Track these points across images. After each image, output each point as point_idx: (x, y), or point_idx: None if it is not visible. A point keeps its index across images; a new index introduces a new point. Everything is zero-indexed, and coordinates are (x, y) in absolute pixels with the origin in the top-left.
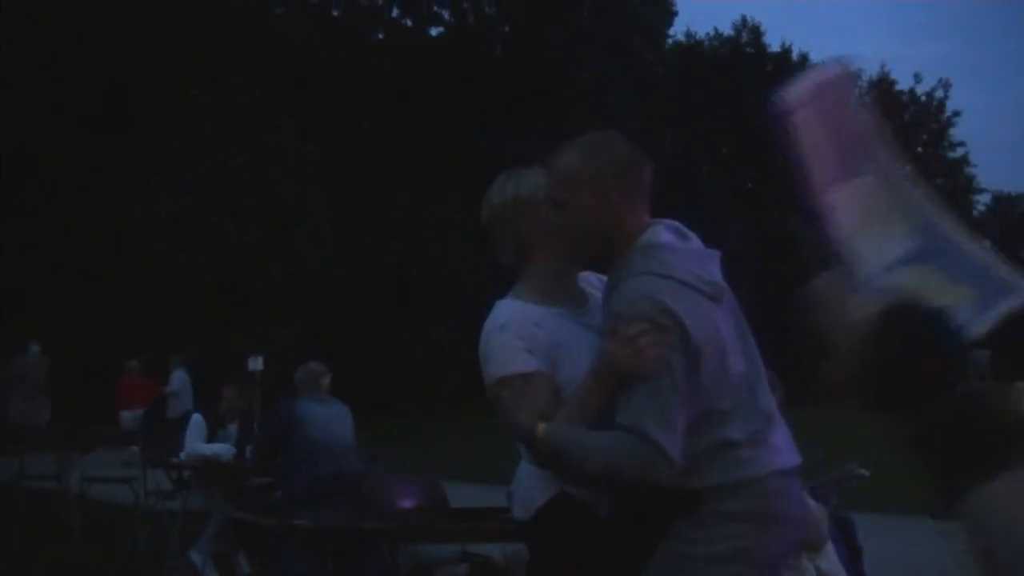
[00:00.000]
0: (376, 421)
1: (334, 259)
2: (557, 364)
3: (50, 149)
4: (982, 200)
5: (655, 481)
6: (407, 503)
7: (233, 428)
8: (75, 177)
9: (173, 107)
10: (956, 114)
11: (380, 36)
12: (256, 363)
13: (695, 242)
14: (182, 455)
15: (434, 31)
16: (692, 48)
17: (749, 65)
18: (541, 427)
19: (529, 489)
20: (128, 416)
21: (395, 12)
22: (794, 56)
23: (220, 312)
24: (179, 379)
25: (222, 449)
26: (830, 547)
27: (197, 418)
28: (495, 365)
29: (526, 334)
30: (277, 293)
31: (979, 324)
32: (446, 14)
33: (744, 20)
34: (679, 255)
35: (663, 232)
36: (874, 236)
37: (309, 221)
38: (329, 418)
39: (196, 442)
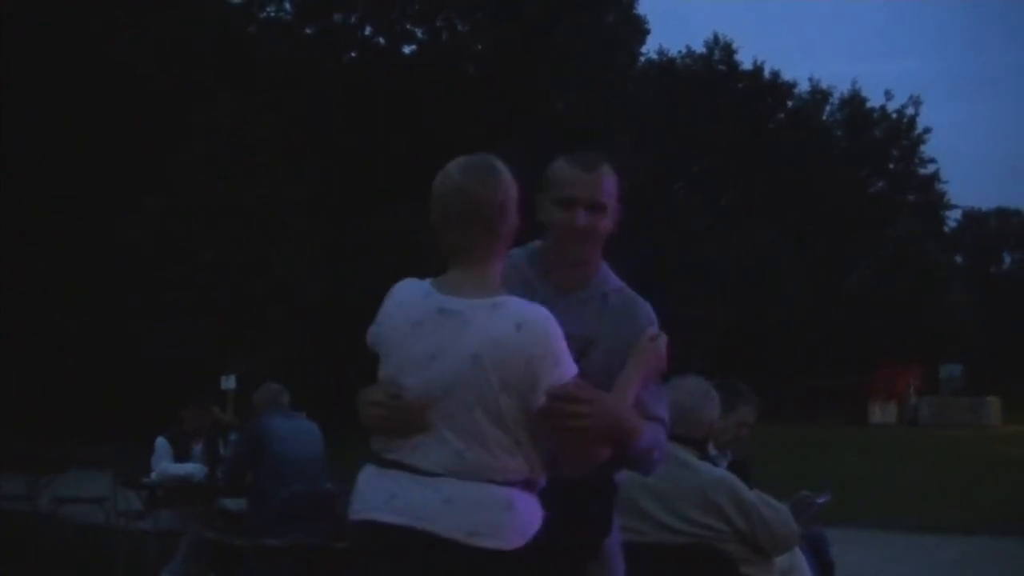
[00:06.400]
0: (359, 440)
1: (317, 280)
2: None
3: (35, 163)
4: (953, 216)
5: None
6: None
7: (198, 448)
8: (60, 191)
9: (163, 124)
10: (927, 131)
11: (353, 55)
12: (228, 382)
13: None
14: (153, 475)
15: (407, 49)
16: (665, 66)
17: (722, 83)
18: (643, 425)
19: (525, 514)
20: None
21: (368, 31)
22: (766, 74)
23: (198, 332)
24: None
25: (194, 469)
26: (802, 562)
27: (162, 441)
28: (569, 363)
29: None
30: (257, 314)
31: None
32: (419, 32)
33: (716, 38)
34: None
35: None
36: None
37: (291, 243)
38: (297, 433)
39: (166, 463)
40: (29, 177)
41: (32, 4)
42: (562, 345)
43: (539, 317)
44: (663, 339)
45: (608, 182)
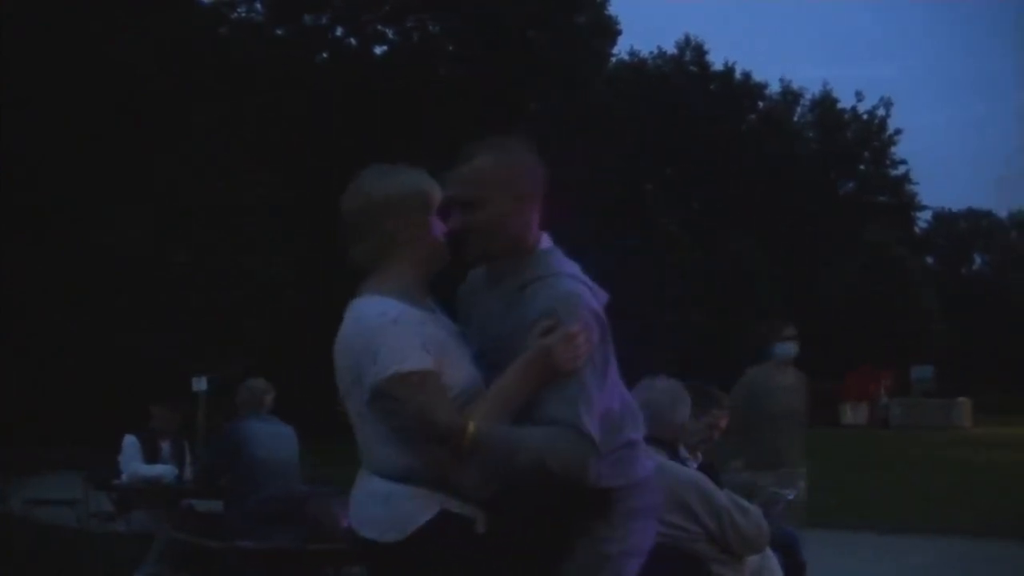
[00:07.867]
0: (333, 444)
1: (290, 286)
2: (443, 365)
3: (35, 163)
4: (923, 217)
5: (583, 476)
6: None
7: (166, 447)
8: (60, 191)
9: (163, 124)
10: (898, 132)
11: (324, 55)
12: (200, 384)
13: None
14: (123, 477)
15: (378, 50)
16: (636, 67)
17: (693, 84)
18: (472, 425)
19: (402, 508)
20: None
21: (339, 31)
22: (737, 75)
23: (173, 336)
24: None
25: (164, 470)
26: (773, 562)
27: (131, 439)
28: (390, 359)
29: (419, 331)
30: (257, 313)
31: None
32: (390, 32)
33: (687, 39)
34: (570, 261)
35: (547, 238)
36: None
37: (291, 243)
38: (274, 438)
39: (135, 463)
40: (29, 177)
41: (32, 4)
42: (392, 339)
43: (371, 309)
44: (564, 331)
45: (475, 172)
